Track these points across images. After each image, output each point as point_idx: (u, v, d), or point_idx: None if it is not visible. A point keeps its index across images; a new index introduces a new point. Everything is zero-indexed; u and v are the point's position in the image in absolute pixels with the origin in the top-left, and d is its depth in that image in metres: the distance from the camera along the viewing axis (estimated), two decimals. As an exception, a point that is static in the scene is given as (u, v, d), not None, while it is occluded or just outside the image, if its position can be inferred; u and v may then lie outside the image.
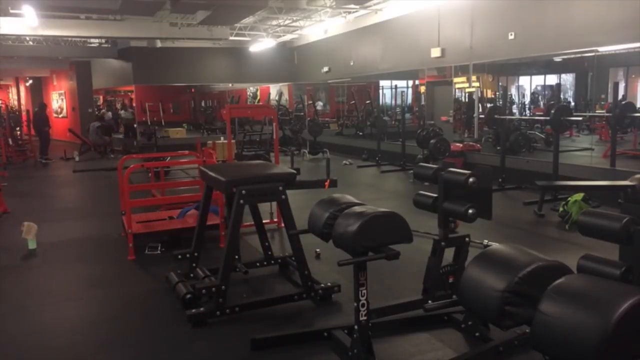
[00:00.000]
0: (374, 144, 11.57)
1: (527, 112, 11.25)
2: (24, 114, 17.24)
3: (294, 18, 12.66)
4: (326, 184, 4.12)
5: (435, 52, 9.82)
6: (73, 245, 5.56)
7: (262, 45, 14.62)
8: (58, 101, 19.89)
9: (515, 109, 11.02)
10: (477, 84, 10.03)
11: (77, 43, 15.03)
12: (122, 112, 18.44)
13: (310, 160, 12.28)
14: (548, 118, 7.22)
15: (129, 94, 19.30)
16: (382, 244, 2.61)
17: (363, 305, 2.70)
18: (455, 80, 9.88)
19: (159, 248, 5.10)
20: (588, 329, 1.66)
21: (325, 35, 13.74)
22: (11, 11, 10.53)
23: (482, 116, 9.41)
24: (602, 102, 8.81)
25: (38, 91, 21.43)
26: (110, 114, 18.31)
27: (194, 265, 4.14)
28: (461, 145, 9.43)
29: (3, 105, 14.94)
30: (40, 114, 14.08)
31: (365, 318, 2.71)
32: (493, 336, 3.02)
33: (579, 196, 5.91)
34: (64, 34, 12.39)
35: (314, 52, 14.73)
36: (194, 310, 3.45)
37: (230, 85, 18.49)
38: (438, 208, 3.33)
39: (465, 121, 10.50)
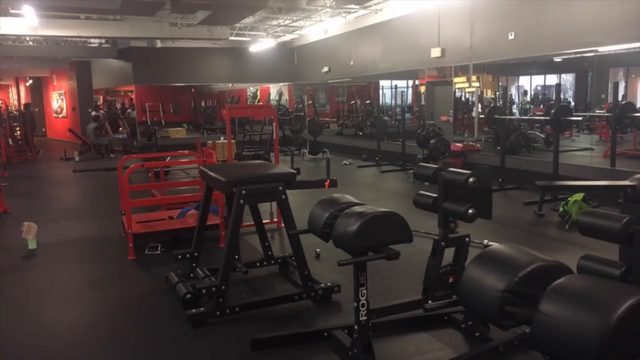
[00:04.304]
0: (374, 144, 11.57)
1: (521, 111, 11.26)
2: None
3: (294, 18, 12.66)
4: (326, 184, 4.12)
5: (435, 52, 9.82)
6: (73, 245, 5.56)
7: (262, 45, 14.62)
8: (58, 101, 19.89)
9: (515, 109, 11.03)
10: (477, 84, 10.04)
11: (77, 43, 15.02)
12: (129, 111, 18.40)
13: (310, 160, 12.28)
14: (548, 118, 7.23)
15: (129, 94, 19.29)
16: (382, 244, 2.60)
17: (363, 305, 2.69)
18: (455, 80, 9.88)
19: (159, 248, 5.10)
20: (588, 329, 1.66)
21: (325, 35, 13.74)
22: (11, 11, 10.52)
23: (482, 116, 9.42)
24: (602, 104, 8.81)
25: (38, 91, 21.43)
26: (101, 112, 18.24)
27: (194, 265, 4.14)
28: (461, 145, 9.44)
29: (3, 106, 14.92)
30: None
31: (365, 318, 2.71)
32: (493, 336, 3.02)
33: (579, 196, 5.91)
34: (64, 34, 12.38)
35: (314, 52, 14.73)
36: (194, 310, 3.45)
37: (230, 85, 18.48)
38: (438, 208, 3.33)
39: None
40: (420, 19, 10.31)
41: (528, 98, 11.39)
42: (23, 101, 20.59)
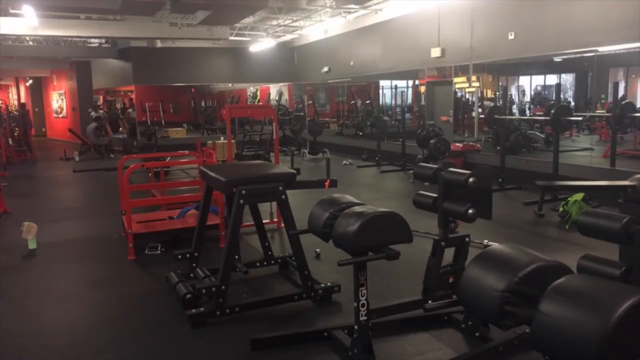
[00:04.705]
0: (374, 144, 11.56)
1: (520, 112, 11.26)
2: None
3: (294, 18, 12.66)
4: (326, 184, 4.12)
5: (435, 52, 9.82)
6: (73, 245, 5.56)
7: (262, 45, 14.62)
8: (58, 101, 19.88)
9: (515, 109, 11.03)
10: (477, 84, 10.04)
11: (77, 43, 15.02)
12: (129, 111, 18.38)
13: (310, 160, 12.28)
14: (548, 118, 7.23)
15: (129, 94, 19.29)
16: (382, 244, 2.61)
17: (363, 305, 2.69)
18: (455, 80, 9.88)
19: (159, 248, 5.10)
20: (588, 329, 1.66)
21: (325, 35, 13.74)
22: (11, 11, 10.52)
23: (482, 116, 9.43)
24: (603, 100, 8.81)
25: (38, 91, 21.43)
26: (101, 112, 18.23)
27: (194, 265, 4.14)
28: (461, 145, 9.44)
29: (3, 106, 14.91)
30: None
31: (365, 318, 2.71)
32: (493, 336, 3.02)
33: (579, 196, 5.91)
34: (64, 34, 12.39)
35: (314, 52, 14.73)
36: (194, 310, 3.45)
37: (230, 85, 18.49)
38: (438, 208, 3.33)
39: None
40: (420, 19, 10.31)
41: (527, 98, 11.39)
42: (23, 101, 20.62)
